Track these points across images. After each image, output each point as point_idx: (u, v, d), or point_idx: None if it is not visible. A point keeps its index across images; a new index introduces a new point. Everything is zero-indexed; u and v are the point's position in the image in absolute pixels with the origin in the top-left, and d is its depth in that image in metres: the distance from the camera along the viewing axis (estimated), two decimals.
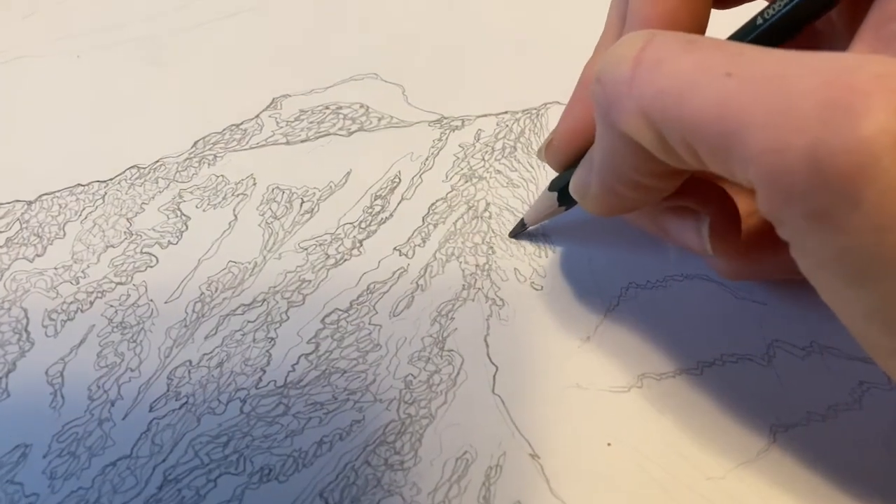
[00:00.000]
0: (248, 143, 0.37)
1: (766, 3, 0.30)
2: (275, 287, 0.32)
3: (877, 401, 0.29)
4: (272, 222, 0.34)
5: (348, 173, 0.36)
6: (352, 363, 0.31)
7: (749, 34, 0.24)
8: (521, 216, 0.34)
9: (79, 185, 0.36)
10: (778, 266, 0.29)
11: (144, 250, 0.34)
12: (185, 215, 0.35)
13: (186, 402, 0.30)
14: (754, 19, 0.24)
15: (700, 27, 0.26)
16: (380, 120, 0.38)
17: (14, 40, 0.42)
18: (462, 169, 0.36)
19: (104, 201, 0.35)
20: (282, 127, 0.38)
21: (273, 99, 0.39)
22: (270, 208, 0.35)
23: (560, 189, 0.30)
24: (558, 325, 0.31)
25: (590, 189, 0.27)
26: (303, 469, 0.28)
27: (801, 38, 0.24)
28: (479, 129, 0.38)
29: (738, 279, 0.32)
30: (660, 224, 0.29)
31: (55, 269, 0.33)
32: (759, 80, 0.19)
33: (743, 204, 0.28)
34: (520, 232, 0.33)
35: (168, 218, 0.35)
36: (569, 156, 0.30)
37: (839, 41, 0.27)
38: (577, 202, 0.29)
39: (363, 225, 0.34)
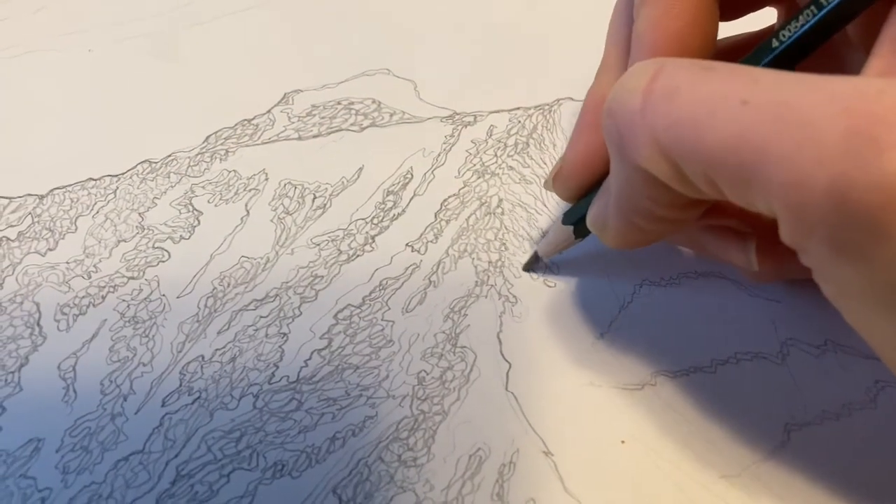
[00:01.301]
0: (259, 138, 0.37)
1: (776, 16, 0.30)
2: (287, 282, 0.32)
3: (892, 399, 0.29)
4: (284, 218, 0.34)
5: (360, 169, 0.36)
6: (364, 359, 0.30)
7: (765, 57, 0.23)
8: (532, 211, 0.34)
9: (90, 179, 0.36)
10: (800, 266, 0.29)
11: (156, 245, 0.34)
12: (197, 210, 0.35)
13: (199, 398, 0.30)
14: (769, 42, 0.23)
15: (709, 47, 0.26)
16: (392, 115, 0.38)
17: (25, 34, 0.42)
18: (474, 165, 0.36)
19: (116, 196, 0.35)
20: (294, 122, 0.38)
21: (285, 94, 0.39)
22: (282, 203, 0.35)
23: (575, 222, 0.30)
24: (572, 322, 0.31)
25: (608, 223, 0.26)
26: (316, 465, 0.28)
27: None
28: (492, 125, 0.38)
29: (766, 282, 0.32)
30: (699, 242, 0.28)
31: (67, 263, 0.33)
32: (777, 109, 0.18)
33: None
34: (534, 264, 0.33)
35: (180, 213, 0.35)
36: (579, 186, 0.29)
37: (854, 53, 0.26)
38: (591, 234, 0.28)
39: (375, 221, 0.34)
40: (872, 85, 0.17)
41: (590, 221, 0.28)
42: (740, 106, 0.19)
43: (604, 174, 0.28)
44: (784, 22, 0.23)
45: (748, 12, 0.30)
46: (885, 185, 0.16)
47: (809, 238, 0.18)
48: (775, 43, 0.23)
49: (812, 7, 0.22)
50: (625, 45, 0.28)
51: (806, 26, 0.22)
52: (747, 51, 0.24)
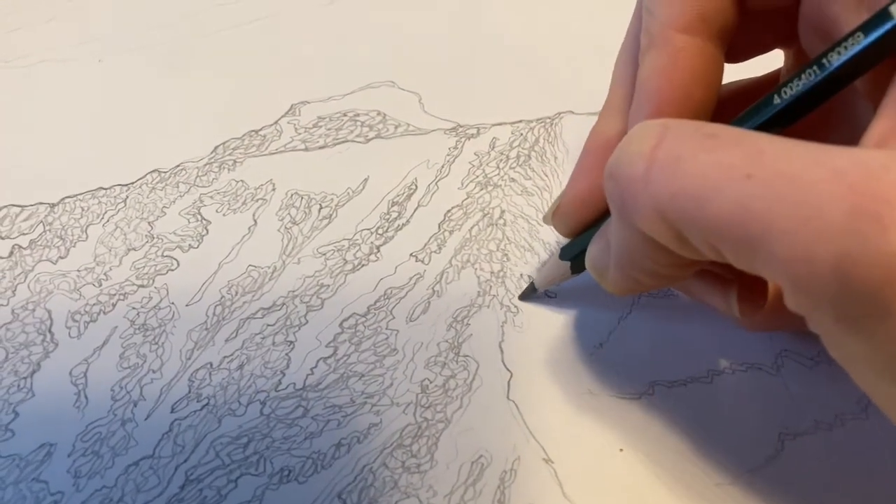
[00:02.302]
0: (267, 148, 0.38)
1: (783, 59, 0.30)
2: (294, 291, 0.33)
3: None
4: (291, 227, 0.35)
5: (366, 180, 0.37)
6: (369, 367, 0.31)
7: (767, 113, 0.23)
8: (534, 223, 0.35)
9: (101, 188, 0.36)
10: (796, 321, 0.29)
11: (166, 254, 0.34)
12: (205, 219, 0.35)
13: (207, 404, 0.30)
14: (771, 97, 0.23)
15: (712, 97, 0.26)
16: (396, 127, 0.39)
17: (36, 45, 0.42)
18: (477, 177, 0.37)
19: (126, 205, 0.36)
20: (300, 133, 0.38)
21: (292, 106, 0.40)
22: (289, 214, 0.36)
23: (572, 257, 0.30)
24: (572, 332, 0.32)
25: (608, 272, 0.26)
26: (322, 470, 0.29)
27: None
28: (494, 138, 0.38)
29: (762, 331, 0.32)
30: (685, 286, 0.29)
31: (78, 271, 0.34)
32: (781, 184, 0.18)
33: None
34: (530, 295, 0.33)
35: (189, 222, 0.35)
36: (578, 224, 0.29)
37: (860, 102, 0.26)
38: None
39: (380, 231, 0.35)
40: (876, 159, 0.18)
41: (589, 265, 0.28)
42: (744, 179, 0.19)
43: (602, 213, 0.28)
44: (787, 78, 0.23)
45: (755, 55, 0.29)
46: (889, 263, 0.17)
47: (814, 309, 0.19)
48: (776, 100, 0.23)
49: (814, 66, 0.22)
50: (629, 87, 0.28)
51: (808, 85, 0.22)
52: (752, 96, 0.24)
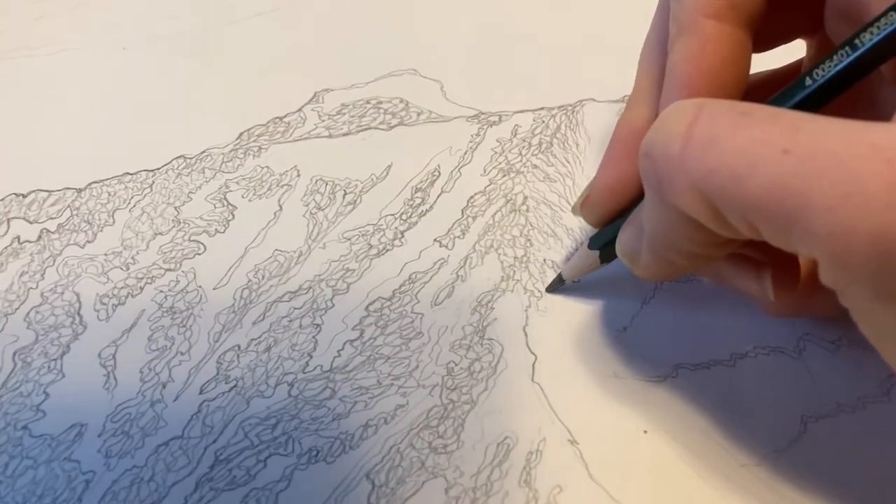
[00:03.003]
0: (291, 135, 0.38)
1: (805, 49, 0.31)
2: (320, 275, 0.33)
3: None
4: (316, 213, 0.35)
5: (389, 166, 0.37)
6: (395, 349, 0.32)
7: (798, 95, 0.23)
8: (556, 209, 0.35)
9: (127, 173, 0.37)
10: (827, 305, 0.29)
11: (192, 238, 0.35)
12: (231, 205, 0.36)
13: (236, 385, 0.31)
14: (802, 80, 0.23)
15: (742, 82, 0.26)
16: (419, 115, 0.39)
17: (62, 33, 0.43)
18: (500, 163, 0.37)
19: (152, 190, 0.36)
20: (324, 120, 0.39)
21: (315, 93, 0.40)
22: (314, 199, 0.36)
23: (602, 248, 0.30)
24: (595, 316, 0.32)
25: (640, 256, 0.26)
26: (349, 451, 0.29)
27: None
28: (516, 125, 0.39)
29: (786, 317, 0.32)
30: (716, 271, 0.29)
31: (105, 254, 0.34)
32: (820, 159, 0.18)
33: None
34: (558, 286, 0.33)
35: (215, 207, 0.36)
36: (607, 213, 0.29)
37: (886, 88, 0.26)
38: (617, 258, 0.29)
39: (404, 216, 0.35)
40: None
41: (620, 252, 0.28)
42: (782, 155, 0.19)
43: (632, 202, 0.28)
44: (818, 60, 0.23)
45: (778, 44, 0.30)
46: None
47: (851, 284, 0.19)
48: (808, 81, 0.23)
49: (846, 48, 0.22)
50: (656, 75, 0.28)
51: (839, 66, 0.22)
52: (776, 86, 0.24)
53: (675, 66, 0.26)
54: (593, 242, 0.31)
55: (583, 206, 0.30)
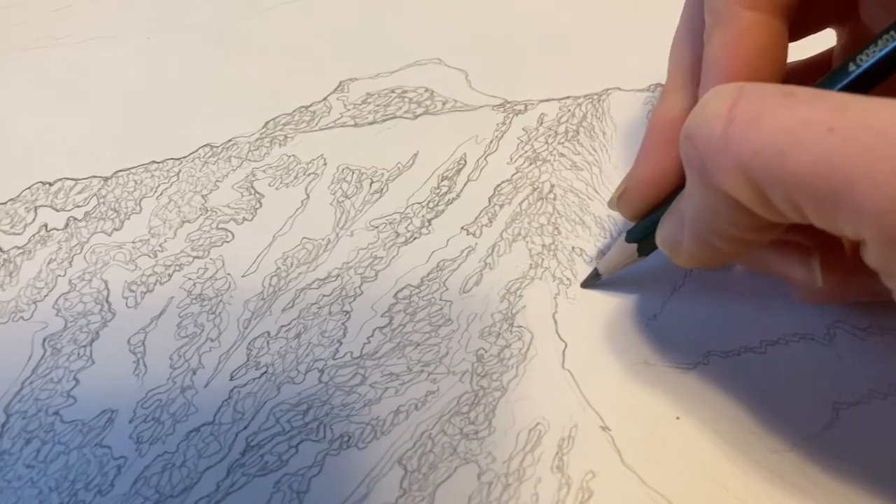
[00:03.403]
0: (317, 124, 0.38)
1: (836, 38, 0.31)
2: (348, 263, 0.33)
3: None
4: (343, 201, 0.35)
5: (415, 155, 0.37)
6: (425, 336, 0.32)
7: (841, 80, 0.23)
8: (584, 197, 0.35)
9: (153, 162, 0.37)
10: (864, 291, 0.29)
11: (220, 226, 0.35)
12: (258, 193, 0.36)
13: (266, 372, 0.31)
14: (845, 65, 0.23)
15: (780, 70, 0.26)
16: (444, 104, 0.39)
17: (87, 22, 0.43)
18: (526, 152, 0.37)
19: (179, 178, 0.36)
20: (349, 109, 0.39)
21: (340, 82, 0.40)
22: (341, 187, 0.36)
23: (640, 240, 0.30)
24: (625, 303, 0.32)
25: (682, 244, 0.26)
26: (381, 437, 0.29)
27: None
28: (542, 114, 0.39)
29: (820, 303, 0.32)
30: (760, 259, 0.29)
31: (133, 242, 0.34)
32: (866, 136, 0.18)
33: None
34: (593, 281, 0.33)
35: (242, 195, 0.36)
36: (645, 206, 0.29)
37: None
38: (655, 250, 0.29)
39: (431, 205, 0.35)
40: None
41: (661, 242, 0.28)
42: (827, 133, 0.19)
43: (670, 194, 0.28)
44: (861, 46, 0.23)
45: (811, 33, 0.30)
46: None
47: None
48: (852, 67, 0.23)
49: (892, 31, 0.22)
50: (690, 67, 0.28)
51: (884, 52, 0.22)
52: (808, 75, 0.24)
53: (712, 56, 0.26)
54: (630, 235, 0.30)
55: (619, 200, 0.30)
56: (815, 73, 0.24)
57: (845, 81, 0.23)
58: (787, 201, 0.20)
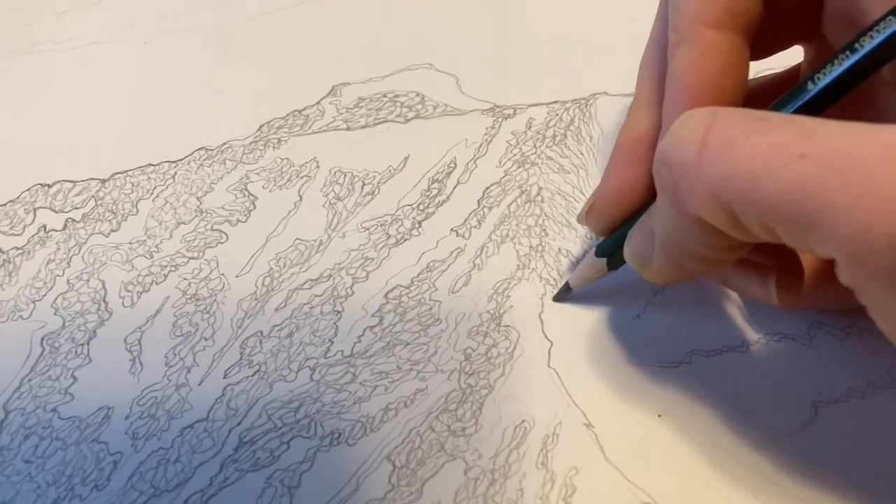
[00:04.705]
0: (310, 128, 0.39)
1: (803, 54, 0.31)
2: (340, 264, 0.34)
3: None
4: (335, 203, 0.36)
5: (406, 158, 0.38)
6: (414, 335, 0.32)
7: (800, 99, 0.24)
8: (571, 199, 0.36)
9: (150, 164, 0.38)
10: (834, 300, 0.30)
11: (215, 227, 0.35)
12: (252, 195, 0.36)
13: (259, 370, 0.31)
14: (804, 84, 0.23)
15: (742, 88, 0.26)
16: (435, 108, 0.40)
17: (84, 27, 0.44)
18: (514, 155, 0.38)
19: (174, 180, 0.37)
20: (342, 113, 0.40)
21: (333, 87, 0.41)
22: (333, 190, 0.37)
23: (609, 255, 0.30)
24: (609, 304, 0.33)
25: (652, 261, 0.27)
26: (370, 433, 0.30)
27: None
28: (531, 118, 0.39)
29: (796, 311, 0.33)
30: (722, 276, 0.29)
31: (129, 243, 0.35)
32: (835, 161, 0.19)
33: None
34: (565, 295, 0.33)
35: (236, 197, 0.36)
36: (613, 221, 0.30)
37: (888, 92, 0.27)
38: (624, 264, 0.29)
39: (421, 207, 0.36)
40: None
41: (630, 257, 0.28)
42: (798, 158, 0.19)
43: (638, 208, 0.29)
44: (819, 65, 0.23)
45: (776, 51, 0.30)
46: None
47: (868, 283, 0.19)
48: (810, 85, 0.23)
49: (847, 51, 0.22)
50: (657, 83, 0.29)
51: (840, 70, 0.23)
52: (773, 90, 0.25)
53: (676, 74, 0.26)
54: (600, 250, 0.31)
55: (588, 215, 0.31)
56: (786, 88, 0.24)
57: (805, 99, 0.23)
58: (760, 224, 0.21)
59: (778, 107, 0.24)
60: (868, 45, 0.22)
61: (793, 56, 0.31)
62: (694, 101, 0.25)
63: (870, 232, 0.18)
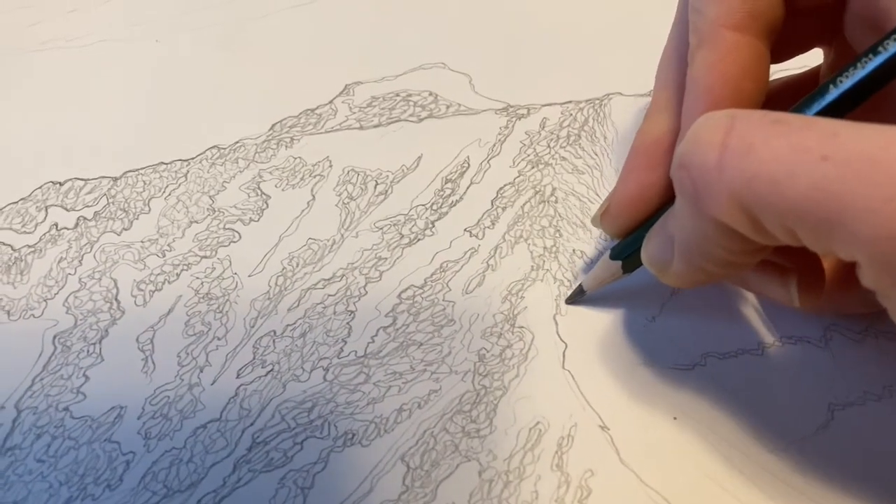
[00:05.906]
0: (323, 127, 0.39)
1: (823, 56, 0.31)
2: (353, 263, 0.34)
3: None
4: (348, 203, 0.36)
5: (419, 158, 0.38)
6: (427, 336, 0.32)
7: (821, 101, 0.23)
8: (585, 200, 0.35)
9: (161, 163, 0.37)
10: (854, 302, 0.30)
11: (227, 226, 0.35)
12: (265, 194, 0.36)
13: (272, 370, 0.31)
14: (826, 87, 0.23)
15: (762, 91, 0.26)
16: (448, 107, 0.40)
17: (95, 25, 0.43)
18: (528, 155, 0.38)
19: (187, 179, 0.37)
20: (355, 112, 0.39)
21: (346, 86, 0.41)
22: (346, 189, 0.36)
23: (624, 258, 0.30)
24: (625, 305, 0.33)
25: (671, 266, 0.26)
26: (384, 434, 0.30)
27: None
28: (545, 118, 0.39)
29: (814, 313, 0.32)
30: (743, 279, 0.29)
31: (142, 242, 0.35)
32: (859, 164, 0.19)
33: None
34: (578, 297, 0.33)
35: (249, 196, 0.36)
36: (628, 224, 0.30)
37: None
38: (640, 267, 0.29)
39: (435, 207, 0.36)
40: None
41: (648, 261, 0.28)
42: (820, 161, 0.19)
43: (654, 212, 0.28)
44: (842, 68, 0.23)
45: (796, 54, 0.30)
46: None
47: (893, 286, 0.19)
48: (832, 88, 0.23)
49: (870, 54, 0.22)
50: (674, 87, 0.29)
51: (863, 73, 0.22)
52: (792, 93, 0.25)
53: (696, 76, 0.26)
54: (615, 253, 0.31)
55: (602, 219, 0.30)
56: (805, 90, 0.24)
57: (826, 102, 0.23)
58: (782, 227, 0.21)
59: (799, 109, 0.24)
60: (892, 48, 0.22)
61: (810, 58, 0.31)
62: (714, 104, 0.25)
63: (895, 234, 0.18)
